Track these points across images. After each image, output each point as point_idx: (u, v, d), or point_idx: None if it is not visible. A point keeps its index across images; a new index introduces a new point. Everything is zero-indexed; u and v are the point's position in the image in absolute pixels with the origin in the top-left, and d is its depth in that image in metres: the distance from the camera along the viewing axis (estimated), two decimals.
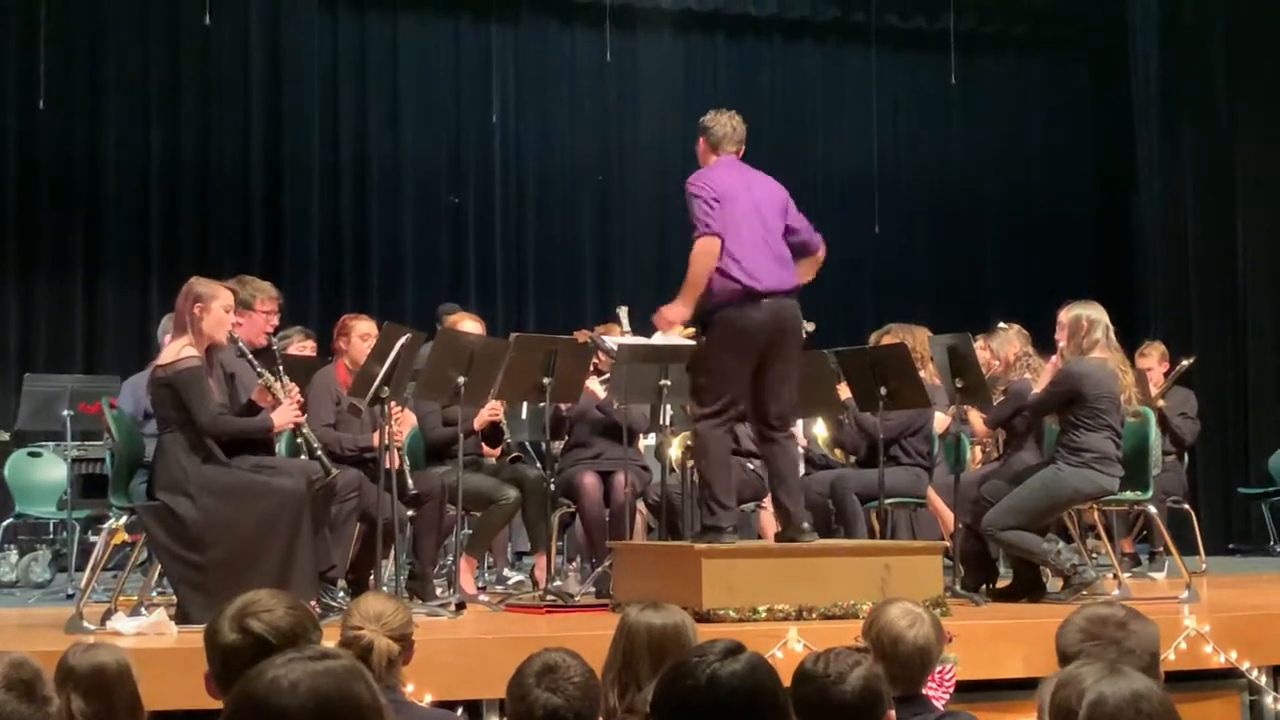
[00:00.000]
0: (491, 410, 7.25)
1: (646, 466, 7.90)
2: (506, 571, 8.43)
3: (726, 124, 6.29)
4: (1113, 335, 6.80)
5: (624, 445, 7.50)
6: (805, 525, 6.13)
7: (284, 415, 6.01)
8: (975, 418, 7.41)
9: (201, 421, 5.80)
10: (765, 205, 6.18)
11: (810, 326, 6.43)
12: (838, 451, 8.22)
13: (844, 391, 7.49)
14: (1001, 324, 7.67)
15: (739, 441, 7.47)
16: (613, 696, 3.58)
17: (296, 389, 6.20)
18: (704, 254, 6.03)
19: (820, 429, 8.15)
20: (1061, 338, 6.81)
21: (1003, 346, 7.53)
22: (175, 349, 5.89)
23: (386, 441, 6.29)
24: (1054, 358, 6.90)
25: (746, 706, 2.56)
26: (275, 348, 6.39)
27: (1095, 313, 6.77)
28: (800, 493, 6.40)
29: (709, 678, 2.56)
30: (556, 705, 3.10)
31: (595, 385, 7.54)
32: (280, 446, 6.61)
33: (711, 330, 6.13)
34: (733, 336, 6.05)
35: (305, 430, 6.11)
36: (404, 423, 6.87)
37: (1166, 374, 9.18)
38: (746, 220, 6.08)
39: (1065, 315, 6.82)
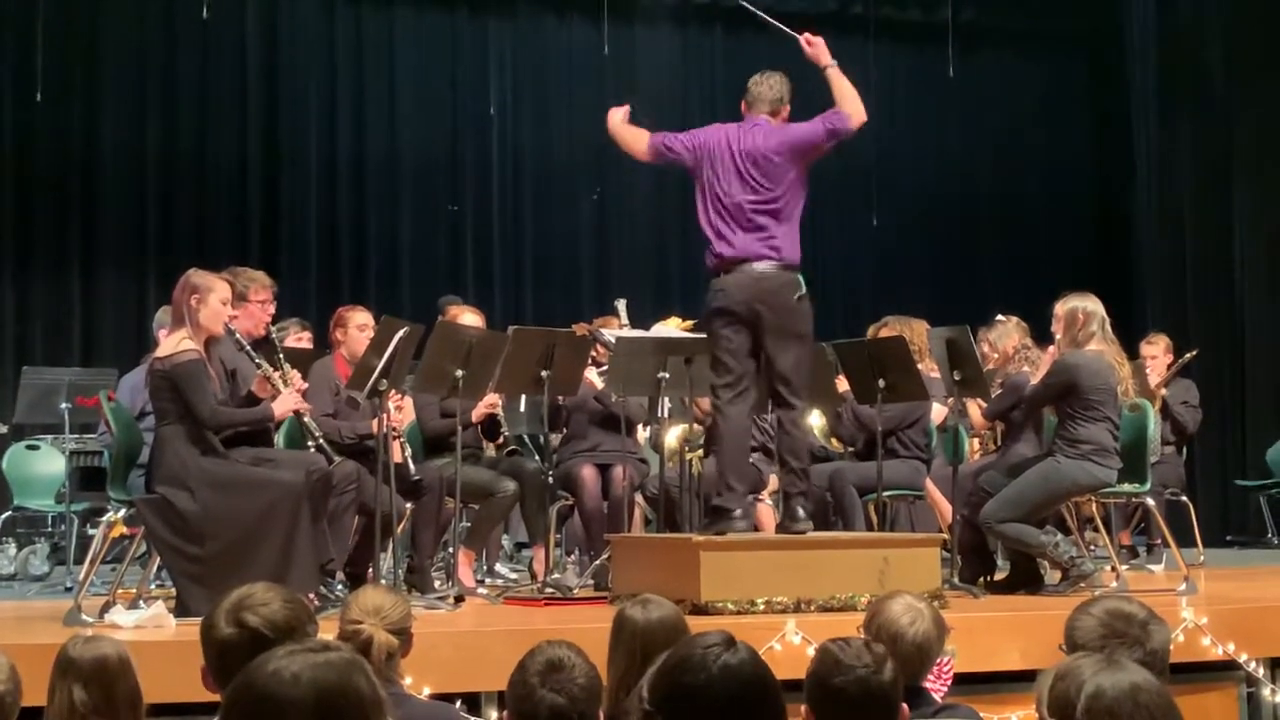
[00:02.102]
0: (489, 403, 7.25)
1: (644, 459, 7.90)
2: (499, 567, 8.42)
3: (759, 85, 6.43)
4: (1109, 327, 6.80)
5: (622, 437, 7.49)
6: (801, 513, 6.12)
7: (284, 404, 6.01)
8: (973, 409, 7.41)
9: (201, 414, 5.80)
10: (752, 168, 6.15)
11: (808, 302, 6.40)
12: (835, 441, 8.21)
13: (842, 384, 7.48)
14: (1000, 316, 7.66)
15: None
16: (622, 695, 3.57)
17: (299, 375, 6.20)
18: (636, 133, 6.43)
19: (816, 419, 8.14)
20: (1057, 330, 6.81)
21: (1001, 339, 7.52)
22: (173, 342, 5.88)
23: (385, 433, 6.28)
24: (1051, 349, 6.90)
25: (758, 695, 2.55)
26: (274, 338, 6.38)
27: (1091, 305, 6.77)
28: (808, 464, 6.34)
29: (721, 669, 2.54)
30: (562, 706, 3.09)
31: (593, 376, 7.54)
32: (279, 438, 6.61)
33: (706, 306, 6.22)
34: (719, 308, 6.11)
35: (307, 419, 6.11)
36: (405, 410, 6.87)
37: (1171, 365, 9.18)
38: (724, 189, 6.12)
39: (1061, 308, 6.81)
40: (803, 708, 3.03)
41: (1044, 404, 6.87)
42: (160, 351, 5.94)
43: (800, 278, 6.21)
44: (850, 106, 6.42)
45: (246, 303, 6.32)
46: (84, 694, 3.32)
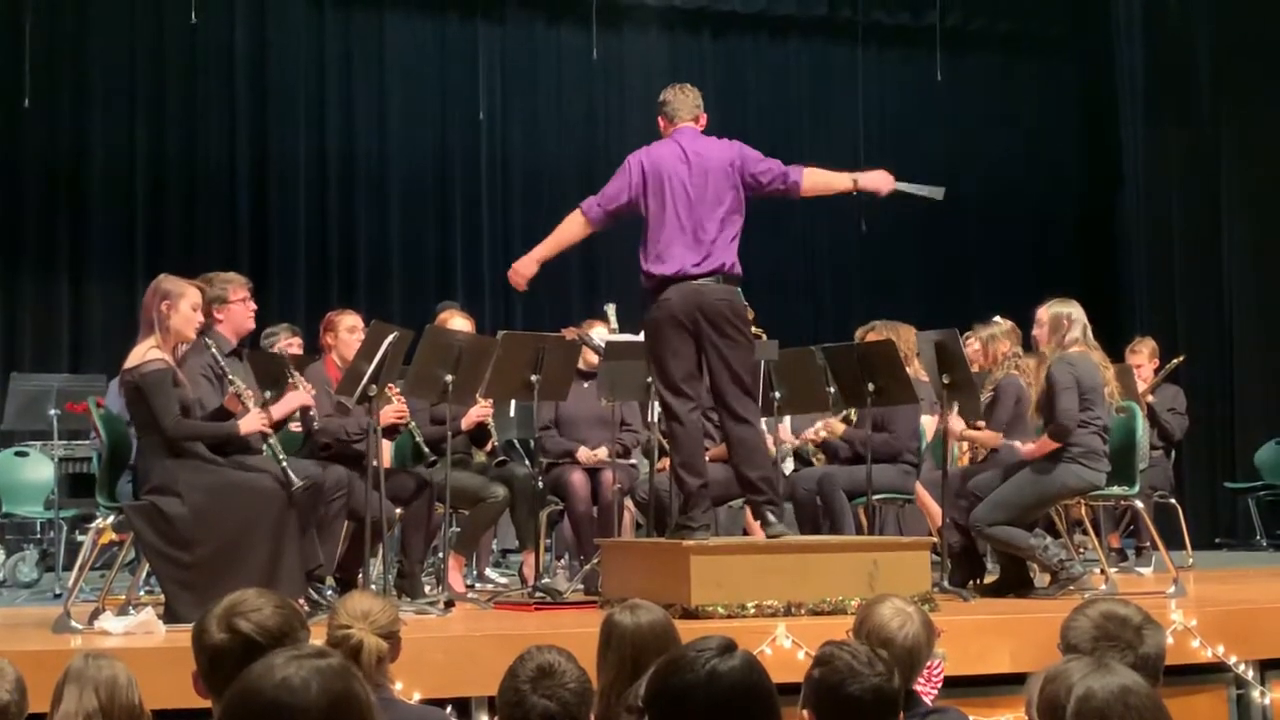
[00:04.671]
0: (480, 413, 7.27)
1: (634, 464, 7.90)
2: (488, 572, 8.42)
3: (678, 95, 6.38)
4: (1090, 334, 6.80)
5: (612, 443, 7.49)
6: (772, 517, 6.09)
7: (249, 423, 5.90)
8: (955, 422, 7.40)
9: (164, 423, 5.75)
10: (701, 178, 6.13)
11: (750, 314, 6.38)
12: (820, 458, 8.17)
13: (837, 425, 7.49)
14: (997, 318, 7.64)
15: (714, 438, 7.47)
16: (613, 700, 3.58)
17: (302, 380, 6.19)
18: (568, 224, 6.39)
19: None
20: (1041, 335, 6.82)
21: (993, 340, 7.51)
22: (141, 351, 5.84)
23: (374, 438, 6.28)
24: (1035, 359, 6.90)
25: (746, 703, 2.56)
26: (263, 343, 6.36)
27: (1075, 311, 6.79)
28: (769, 471, 6.30)
29: (709, 673, 2.55)
30: (552, 712, 3.09)
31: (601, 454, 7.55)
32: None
33: (645, 324, 6.22)
34: (657, 325, 6.10)
35: (272, 440, 5.96)
36: (404, 409, 6.87)
37: (1157, 370, 9.19)
38: (670, 204, 6.08)
39: (1045, 313, 6.83)
40: (804, 713, 3.03)
41: (1074, 407, 6.69)
42: (129, 362, 5.88)
43: (739, 290, 6.21)
44: (810, 181, 6.33)
45: (228, 304, 6.30)
46: (95, 702, 3.33)
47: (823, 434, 7.83)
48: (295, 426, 6.50)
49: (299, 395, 6.21)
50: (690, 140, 6.25)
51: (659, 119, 6.40)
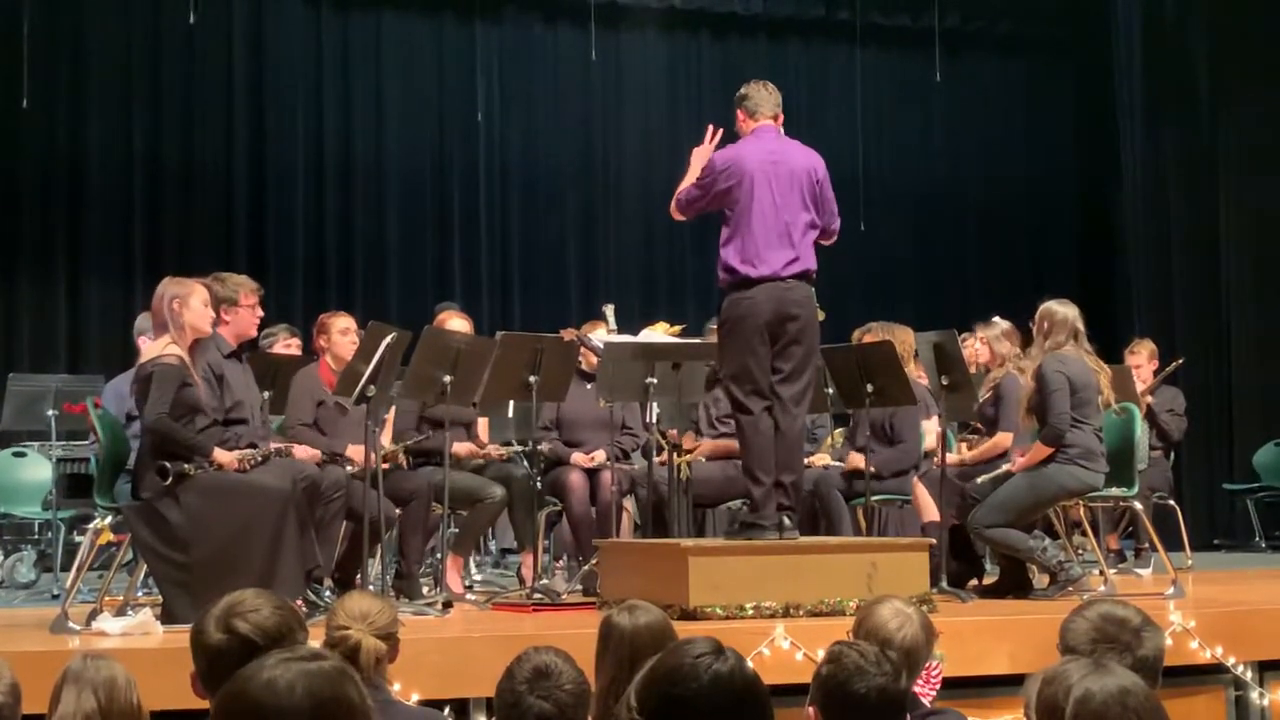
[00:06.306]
0: (475, 452, 7.31)
1: (635, 466, 7.88)
2: (474, 572, 8.40)
3: (761, 90, 6.38)
4: (1084, 339, 6.79)
5: (611, 444, 7.49)
6: (788, 523, 6.12)
7: (225, 455, 5.86)
8: (955, 456, 7.42)
9: (146, 413, 5.77)
10: (787, 180, 6.16)
11: (821, 316, 6.39)
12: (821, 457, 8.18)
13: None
14: (996, 318, 7.65)
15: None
16: (612, 701, 3.57)
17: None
18: (673, 207, 6.41)
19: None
20: (1036, 334, 6.85)
21: (997, 341, 7.50)
22: (159, 346, 5.88)
23: (373, 438, 6.28)
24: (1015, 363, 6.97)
25: (748, 704, 2.55)
26: (261, 344, 6.36)
27: (1064, 310, 6.77)
28: (799, 476, 6.33)
29: (711, 679, 2.54)
30: (549, 713, 3.09)
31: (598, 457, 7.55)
32: None
33: (720, 321, 6.24)
34: (735, 323, 6.12)
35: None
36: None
37: (1156, 372, 9.19)
38: (758, 202, 6.10)
39: (1039, 313, 6.85)
40: (810, 710, 3.03)
41: (1066, 409, 6.71)
42: (145, 356, 5.94)
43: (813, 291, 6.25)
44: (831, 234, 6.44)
45: (236, 306, 6.32)
46: (93, 703, 3.33)
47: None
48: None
49: (302, 451, 6.27)
50: (776, 141, 6.29)
51: (737, 112, 6.39)
